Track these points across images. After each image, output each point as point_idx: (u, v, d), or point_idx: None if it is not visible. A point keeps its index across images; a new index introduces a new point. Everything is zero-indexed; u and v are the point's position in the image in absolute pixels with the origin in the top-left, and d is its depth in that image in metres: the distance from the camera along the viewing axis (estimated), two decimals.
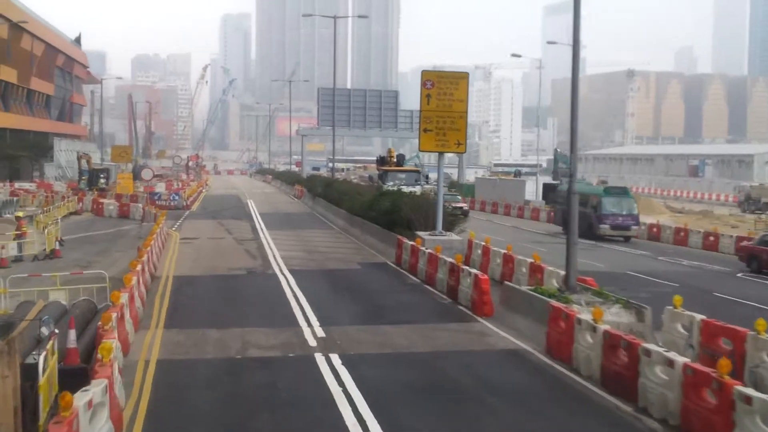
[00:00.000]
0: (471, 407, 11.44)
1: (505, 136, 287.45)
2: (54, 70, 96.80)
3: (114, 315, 12.90)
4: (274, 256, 27.86)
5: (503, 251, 22.99)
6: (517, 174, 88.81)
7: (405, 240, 25.84)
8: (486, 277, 18.61)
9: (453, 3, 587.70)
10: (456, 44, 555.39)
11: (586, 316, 13.47)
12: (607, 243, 36.02)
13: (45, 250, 27.66)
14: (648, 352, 11.25)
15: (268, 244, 31.78)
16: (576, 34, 17.47)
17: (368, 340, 15.40)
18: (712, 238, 35.62)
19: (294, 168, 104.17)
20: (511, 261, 22.14)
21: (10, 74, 78.51)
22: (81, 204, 49.13)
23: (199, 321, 16.93)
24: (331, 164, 69.62)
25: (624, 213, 37.59)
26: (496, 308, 17.76)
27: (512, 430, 10.75)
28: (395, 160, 54.32)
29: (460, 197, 52.39)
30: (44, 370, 9.75)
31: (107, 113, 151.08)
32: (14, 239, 27.60)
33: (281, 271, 24.45)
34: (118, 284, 16.81)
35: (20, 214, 33.23)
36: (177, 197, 53.53)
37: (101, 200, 50.16)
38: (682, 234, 37.62)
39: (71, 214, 45.63)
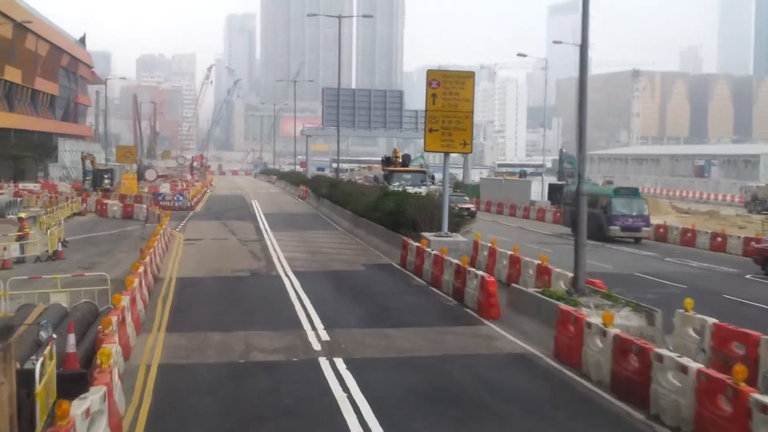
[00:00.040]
0: (478, 414, 11.18)
1: (510, 136, 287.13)
2: (58, 71, 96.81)
3: (115, 318, 12.69)
4: (278, 258, 27.65)
5: (510, 253, 22.72)
6: (523, 174, 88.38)
7: (410, 241, 25.60)
8: (493, 279, 18.35)
9: (457, 3, 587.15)
10: (460, 44, 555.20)
11: (595, 319, 13.20)
12: (613, 244, 35.72)
13: (47, 251, 27.48)
14: (660, 358, 10.97)
15: (272, 245, 31.57)
16: (584, 33, 17.22)
17: (373, 343, 15.15)
18: (719, 239, 35.29)
19: (298, 168, 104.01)
20: (518, 262, 21.87)
21: (14, 74, 78.48)
22: (85, 205, 49.01)
23: (201, 324, 16.69)
24: (335, 165, 69.43)
25: (634, 214, 37.10)
26: (503, 311, 17.50)
27: None
28: (401, 160, 54.06)
29: (467, 198, 51.90)
30: (41, 376, 9.52)
31: (112, 114, 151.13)
32: (17, 240, 27.41)
33: (285, 272, 24.22)
34: (120, 286, 16.60)
35: (23, 215, 33.11)
36: (181, 198, 53.37)
37: (105, 201, 50.03)
38: (689, 235, 37.28)
39: (75, 214, 45.55)
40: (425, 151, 29.00)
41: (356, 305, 19.51)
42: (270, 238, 34.19)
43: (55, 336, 11.22)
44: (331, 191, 48.53)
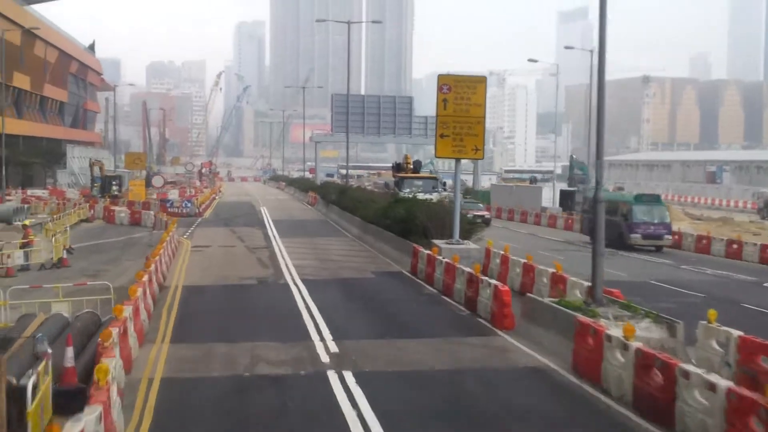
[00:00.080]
0: None
1: (520, 142, 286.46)
2: (67, 77, 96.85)
3: (115, 330, 12.22)
4: (286, 265, 27.19)
5: (523, 261, 22.17)
6: (533, 181, 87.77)
7: (421, 249, 25.09)
8: (507, 288, 17.80)
9: (466, 9, 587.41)
10: (470, 51, 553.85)
11: (616, 332, 12.62)
12: (627, 251, 35.00)
13: (52, 258, 27.09)
14: (686, 374, 10.39)
15: (281, 252, 31.12)
16: (602, 36, 16.76)
17: (383, 355, 14.63)
18: (735, 246, 34.61)
19: (308, 174, 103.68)
20: (532, 271, 21.32)
21: (23, 81, 78.41)
22: (92, 211, 48.71)
23: (207, 334, 16.22)
24: (343, 171, 68.99)
25: (656, 221, 36.13)
26: (517, 321, 16.95)
27: None
28: (412, 166, 53.53)
29: (481, 205, 50.87)
30: (35, 394, 9.05)
31: (122, 120, 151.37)
32: (21, 248, 27.03)
33: (293, 280, 23.76)
34: (124, 295, 16.15)
35: (27, 222, 32.76)
36: (189, 204, 53.04)
37: (113, 207, 49.73)
38: (704, 242, 36.57)
39: (82, 221, 45.26)
40: (436, 157, 28.49)
41: (366, 315, 19.03)
42: (278, 245, 33.75)
43: (50, 351, 10.74)
44: (340, 198, 48.10)
